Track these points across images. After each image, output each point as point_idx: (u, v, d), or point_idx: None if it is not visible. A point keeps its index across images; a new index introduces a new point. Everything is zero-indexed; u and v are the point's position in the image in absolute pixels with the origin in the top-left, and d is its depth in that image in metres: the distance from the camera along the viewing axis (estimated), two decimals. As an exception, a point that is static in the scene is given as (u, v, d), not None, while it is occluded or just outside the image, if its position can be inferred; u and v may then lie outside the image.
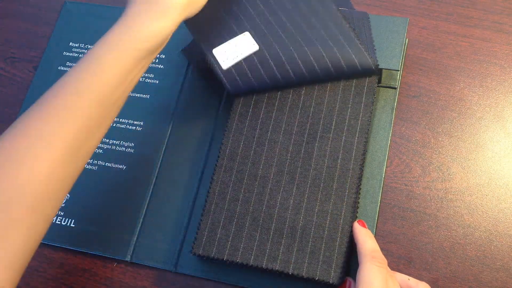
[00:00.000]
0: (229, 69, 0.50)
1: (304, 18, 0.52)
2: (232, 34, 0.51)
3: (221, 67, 0.50)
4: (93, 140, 0.40)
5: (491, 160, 0.51)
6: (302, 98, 0.51)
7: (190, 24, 0.51)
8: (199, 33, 0.52)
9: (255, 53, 0.50)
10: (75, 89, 0.39)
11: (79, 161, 0.39)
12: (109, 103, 0.40)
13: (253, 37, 0.51)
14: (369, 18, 0.53)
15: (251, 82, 0.50)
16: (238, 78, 0.50)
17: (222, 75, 0.50)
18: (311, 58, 0.49)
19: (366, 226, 0.46)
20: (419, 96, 0.54)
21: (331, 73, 0.50)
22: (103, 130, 0.41)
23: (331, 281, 0.44)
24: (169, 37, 0.44)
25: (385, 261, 0.43)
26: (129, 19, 0.42)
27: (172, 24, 0.43)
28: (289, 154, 0.49)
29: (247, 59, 0.50)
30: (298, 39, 0.50)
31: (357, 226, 0.46)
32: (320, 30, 0.51)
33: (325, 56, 0.49)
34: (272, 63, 0.50)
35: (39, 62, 0.62)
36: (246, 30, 0.51)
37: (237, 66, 0.50)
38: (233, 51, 0.50)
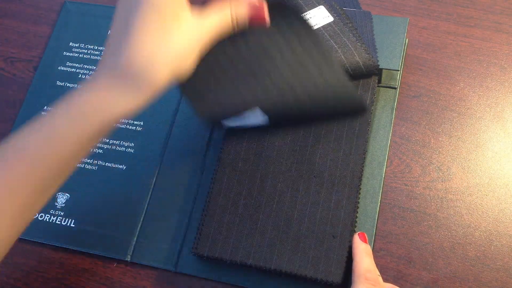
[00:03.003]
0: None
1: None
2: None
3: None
4: (40, 203, 0.38)
5: (491, 160, 0.51)
6: None
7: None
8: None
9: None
10: (29, 159, 0.36)
11: (24, 224, 0.38)
12: (63, 170, 0.37)
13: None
14: (372, 18, 0.54)
15: None
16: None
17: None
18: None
19: (367, 240, 0.46)
20: (419, 96, 0.54)
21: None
22: (53, 191, 0.38)
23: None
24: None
25: (377, 282, 0.43)
26: (98, 90, 0.36)
27: (147, 101, 0.37)
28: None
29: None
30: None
31: (356, 241, 0.45)
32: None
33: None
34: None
35: (39, 62, 0.62)
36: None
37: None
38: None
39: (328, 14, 0.52)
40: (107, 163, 0.55)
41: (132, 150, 0.55)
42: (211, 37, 0.38)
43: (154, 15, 0.35)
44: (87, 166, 0.55)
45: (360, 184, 0.49)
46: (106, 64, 0.37)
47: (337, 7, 0.54)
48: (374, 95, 0.51)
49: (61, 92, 0.59)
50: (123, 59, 0.35)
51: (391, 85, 0.54)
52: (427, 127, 0.53)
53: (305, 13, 0.52)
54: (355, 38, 0.51)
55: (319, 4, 0.53)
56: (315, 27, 0.51)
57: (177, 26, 0.36)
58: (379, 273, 0.44)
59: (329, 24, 0.52)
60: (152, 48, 0.35)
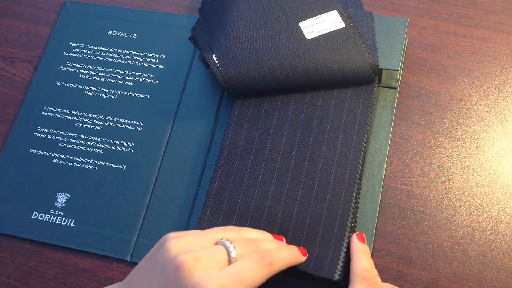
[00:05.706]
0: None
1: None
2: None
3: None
4: None
5: (491, 160, 0.51)
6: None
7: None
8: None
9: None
10: None
11: None
12: None
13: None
14: (373, 17, 0.54)
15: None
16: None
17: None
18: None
19: (365, 240, 0.46)
20: (419, 96, 0.54)
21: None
22: None
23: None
24: None
25: (375, 281, 0.42)
26: None
27: None
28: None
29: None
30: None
31: (354, 241, 0.45)
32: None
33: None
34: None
35: (39, 62, 0.62)
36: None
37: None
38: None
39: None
40: (107, 163, 0.55)
41: (132, 150, 0.55)
42: None
43: None
44: (87, 166, 0.55)
45: (360, 184, 0.49)
46: None
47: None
48: (374, 95, 0.51)
49: (61, 92, 0.59)
50: None
51: (391, 85, 0.54)
52: (427, 127, 0.53)
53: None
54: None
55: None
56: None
57: None
58: (377, 273, 0.44)
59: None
60: None
